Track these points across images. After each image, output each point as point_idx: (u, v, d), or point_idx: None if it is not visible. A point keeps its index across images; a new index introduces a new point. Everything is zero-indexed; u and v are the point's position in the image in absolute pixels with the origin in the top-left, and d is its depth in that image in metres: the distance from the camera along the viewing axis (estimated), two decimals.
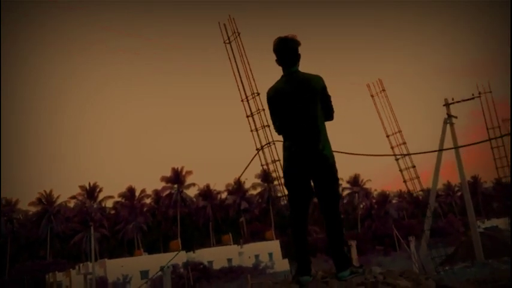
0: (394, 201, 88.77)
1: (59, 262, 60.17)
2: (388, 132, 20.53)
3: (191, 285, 37.59)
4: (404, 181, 19.92)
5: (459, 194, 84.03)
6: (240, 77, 13.52)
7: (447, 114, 22.66)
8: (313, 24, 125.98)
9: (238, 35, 13.87)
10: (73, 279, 55.14)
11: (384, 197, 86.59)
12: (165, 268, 11.54)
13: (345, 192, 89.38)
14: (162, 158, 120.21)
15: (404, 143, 20.05)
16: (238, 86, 13.59)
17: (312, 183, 4.39)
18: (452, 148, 22.04)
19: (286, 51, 4.38)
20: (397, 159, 19.63)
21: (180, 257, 57.14)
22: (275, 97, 4.44)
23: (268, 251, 60.49)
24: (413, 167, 20.21)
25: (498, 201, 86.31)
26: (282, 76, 4.48)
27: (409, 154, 19.45)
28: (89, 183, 75.02)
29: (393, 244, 59.65)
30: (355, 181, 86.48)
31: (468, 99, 21.43)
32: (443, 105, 22.88)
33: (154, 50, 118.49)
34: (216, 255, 58.70)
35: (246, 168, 8.34)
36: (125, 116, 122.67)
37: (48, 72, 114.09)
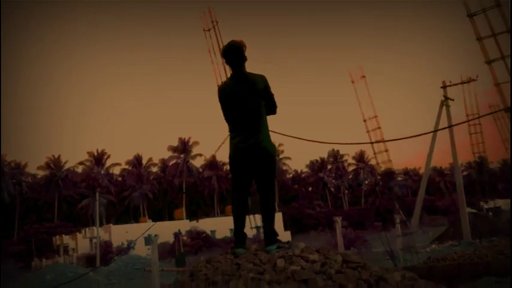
0: (399, 179, 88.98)
1: (66, 225, 61.76)
2: (365, 117, 21.09)
3: (181, 252, 38.83)
4: (377, 163, 20.61)
5: (465, 173, 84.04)
6: (218, 64, 14.01)
7: (444, 96, 22.87)
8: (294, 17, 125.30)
9: (217, 23, 14.39)
10: (79, 242, 56.79)
11: (388, 174, 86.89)
12: (147, 236, 12.14)
13: (350, 168, 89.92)
14: (170, 127, 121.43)
15: (379, 128, 20.69)
16: (215, 71, 14.10)
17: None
18: (420, 135, 22.27)
19: (233, 54, 4.90)
20: (371, 144, 20.14)
21: (184, 226, 58.49)
22: (224, 94, 5.00)
23: None
24: (386, 151, 20.96)
25: (503, 182, 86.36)
26: (231, 75, 5.03)
27: (384, 141, 19.85)
28: (97, 150, 76.16)
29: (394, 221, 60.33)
30: (360, 157, 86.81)
31: (464, 83, 21.66)
32: (441, 87, 23.08)
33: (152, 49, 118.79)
34: (219, 225, 59.71)
35: (219, 146, 8.83)
36: (135, 92, 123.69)
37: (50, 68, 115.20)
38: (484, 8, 15.98)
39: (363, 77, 21.04)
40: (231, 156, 4.96)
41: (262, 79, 4.92)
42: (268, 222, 4.83)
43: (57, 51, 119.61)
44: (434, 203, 75.81)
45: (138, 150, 77.20)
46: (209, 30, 14.12)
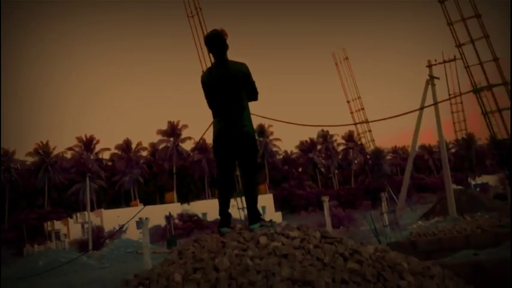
0: (388, 157, 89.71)
1: (57, 211, 61.66)
2: (349, 98, 21.44)
3: (172, 235, 39.28)
4: (361, 144, 21.05)
5: (453, 151, 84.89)
6: (202, 50, 14.12)
7: (429, 75, 23.14)
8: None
9: (200, 10, 14.52)
10: (71, 228, 56.89)
11: (378, 153, 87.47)
12: (138, 220, 12.35)
13: (340, 148, 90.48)
14: (159, 112, 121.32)
15: (362, 109, 21.09)
16: (199, 58, 14.22)
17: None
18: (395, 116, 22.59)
19: (215, 43, 5.06)
20: (355, 124, 20.53)
21: (175, 209, 58.79)
22: (207, 81, 5.16)
23: (261, 204, 61.38)
24: (370, 131, 21.41)
25: (491, 158, 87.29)
26: (213, 63, 5.24)
27: (368, 121, 20.25)
28: (86, 135, 75.80)
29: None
30: (349, 137, 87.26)
31: (447, 62, 21.95)
32: (426, 66, 23.36)
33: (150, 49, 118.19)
34: (210, 208, 59.84)
35: (204, 133, 9.02)
36: (135, 92, 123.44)
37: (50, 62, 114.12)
38: None
39: (346, 58, 21.31)
40: (215, 141, 5.17)
41: (243, 67, 5.08)
42: (251, 202, 5.09)
43: (57, 51, 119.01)
44: (423, 180, 76.78)
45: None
46: (193, 16, 14.26)
